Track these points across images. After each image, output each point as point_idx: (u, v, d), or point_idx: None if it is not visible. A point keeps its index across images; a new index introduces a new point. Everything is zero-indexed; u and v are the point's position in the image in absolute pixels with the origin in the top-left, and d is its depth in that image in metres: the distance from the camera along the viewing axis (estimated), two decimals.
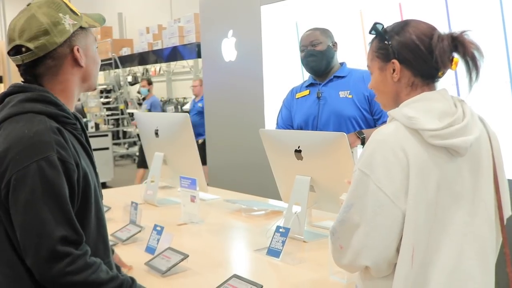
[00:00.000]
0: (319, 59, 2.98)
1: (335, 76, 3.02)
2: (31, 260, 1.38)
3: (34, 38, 1.49)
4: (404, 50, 1.51)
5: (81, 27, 1.56)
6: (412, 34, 1.51)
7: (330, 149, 2.29)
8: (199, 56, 8.28)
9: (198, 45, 8.21)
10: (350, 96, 2.94)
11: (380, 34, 1.56)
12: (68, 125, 1.52)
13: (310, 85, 3.11)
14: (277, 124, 3.28)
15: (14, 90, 1.52)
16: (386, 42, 1.54)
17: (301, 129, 3.08)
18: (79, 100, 10.77)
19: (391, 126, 1.47)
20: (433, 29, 1.52)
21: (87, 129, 8.79)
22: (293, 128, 3.17)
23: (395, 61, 1.52)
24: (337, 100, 2.96)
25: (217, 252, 2.34)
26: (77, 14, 1.56)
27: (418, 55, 1.50)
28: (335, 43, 3.04)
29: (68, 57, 1.54)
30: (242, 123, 5.34)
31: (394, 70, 1.53)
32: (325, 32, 3.03)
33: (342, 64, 3.07)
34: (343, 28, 4.15)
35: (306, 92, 3.12)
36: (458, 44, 1.47)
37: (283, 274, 2.06)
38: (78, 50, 1.55)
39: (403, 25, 1.54)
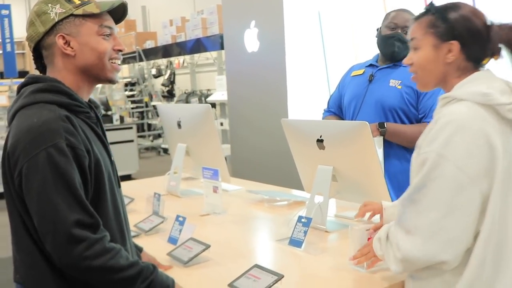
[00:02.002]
0: (404, 47, 2.78)
1: (395, 64, 2.86)
2: (50, 246, 1.40)
3: (26, 31, 1.57)
4: (466, 33, 1.52)
5: (73, 15, 1.53)
6: (476, 20, 1.52)
7: (352, 138, 2.27)
8: (222, 47, 8.26)
9: (221, 37, 8.20)
10: (399, 87, 2.78)
11: (440, 12, 1.55)
12: (80, 114, 1.53)
13: (370, 65, 2.97)
14: (327, 103, 3.17)
15: (28, 82, 1.55)
16: (448, 21, 1.53)
17: (345, 109, 2.98)
18: (103, 93, 10.88)
19: (462, 106, 1.46)
20: (485, 16, 1.54)
21: (112, 122, 8.93)
22: (341, 108, 3.06)
23: (455, 42, 1.52)
24: (385, 88, 2.82)
25: (239, 243, 2.34)
26: (73, 2, 1.54)
27: (478, 40, 1.52)
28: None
29: (56, 45, 1.54)
30: (265, 113, 5.33)
31: (449, 51, 1.53)
32: None
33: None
34: (366, 17, 4.11)
35: (361, 71, 2.98)
36: None
37: (304, 264, 2.05)
38: (61, 37, 1.52)
39: (460, 7, 1.55)
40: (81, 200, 1.41)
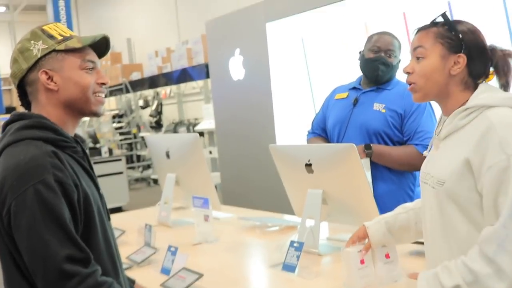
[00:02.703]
0: (387, 71, 2.83)
1: (379, 88, 2.88)
2: (41, 283, 1.39)
3: (10, 68, 1.58)
4: (474, 49, 1.57)
5: (55, 51, 1.55)
6: (482, 37, 1.59)
7: (340, 161, 2.28)
8: (208, 76, 8.33)
9: (207, 66, 8.26)
10: (383, 111, 2.80)
11: (451, 25, 1.59)
12: (67, 149, 1.53)
13: (353, 88, 2.98)
14: (311, 124, 3.17)
15: (13, 119, 1.56)
16: (458, 33, 1.57)
17: (330, 133, 2.99)
18: (91, 126, 10.86)
19: (505, 110, 1.48)
20: None
21: (101, 155, 8.90)
22: (325, 130, 3.07)
23: (463, 55, 1.56)
24: (369, 112, 2.84)
25: (232, 270, 2.34)
26: (55, 38, 1.56)
27: (483, 57, 1.57)
28: (400, 60, 2.90)
29: (39, 81, 1.55)
30: (253, 139, 5.34)
31: (455, 63, 1.56)
32: (400, 46, 2.90)
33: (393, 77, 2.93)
34: (349, 41, 4.16)
35: (345, 94, 2.99)
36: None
37: None
38: (44, 73, 1.54)
39: (467, 23, 1.60)
40: (71, 235, 1.41)
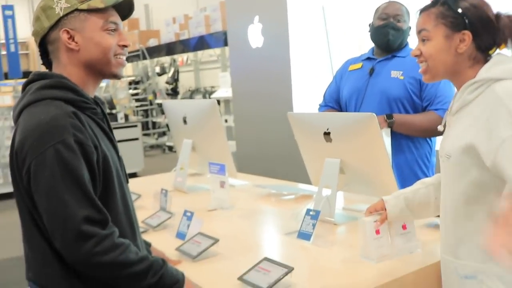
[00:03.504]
0: (398, 35, 2.83)
1: (393, 56, 2.88)
2: (59, 243, 1.39)
3: (32, 26, 1.57)
4: (478, 23, 1.53)
5: (78, 10, 1.52)
6: (487, 9, 1.54)
7: (359, 130, 2.26)
8: (226, 44, 8.26)
9: (225, 33, 8.20)
10: (402, 77, 2.79)
11: (452, 2, 1.55)
12: (87, 110, 1.52)
13: (367, 59, 2.98)
14: (323, 97, 3.16)
15: (34, 78, 1.55)
16: (459, 11, 1.53)
17: (346, 103, 2.98)
18: (108, 92, 10.89)
19: None
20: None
21: (117, 120, 8.94)
22: (338, 101, 3.06)
23: (467, 32, 1.53)
24: (386, 79, 2.83)
25: (247, 237, 2.34)
26: None
27: (490, 30, 1.53)
28: (410, 27, 2.90)
29: (60, 40, 1.53)
30: (270, 108, 5.32)
31: (461, 41, 1.54)
32: (407, 12, 2.89)
33: (406, 44, 2.93)
34: (371, 11, 4.09)
35: (359, 65, 2.99)
36: None
37: (314, 257, 2.05)
38: (66, 32, 1.52)
39: None
40: (90, 196, 1.41)
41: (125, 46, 1.60)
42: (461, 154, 1.53)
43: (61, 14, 1.52)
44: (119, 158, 1.62)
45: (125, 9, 1.62)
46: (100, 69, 1.58)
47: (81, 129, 1.44)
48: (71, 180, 1.39)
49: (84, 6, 1.53)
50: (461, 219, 1.59)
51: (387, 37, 2.84)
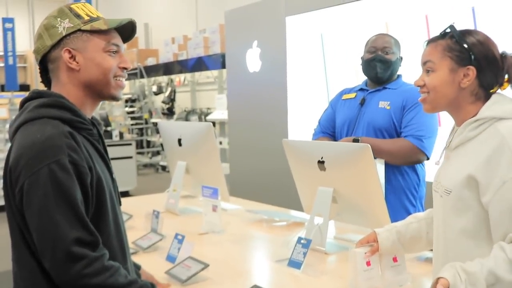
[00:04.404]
0: (387, 68, 2.87)
1: (385, 88, 2.92)
2: (49, 263, 1.39)
3: (34, 44, 1.58)
4: (484, 60, 1.55)
5: (81, 30, 1.54)
6: (493, 47, 1.55)
7: (354, 161, 2.27)
8: (223, 66, 8.30)
9: (223, 56, 8.24)
10: (388, 108, 2.83)
11: (459, 37, 1.57)
12: (83, 131, 1.53)
13: (360, 89, 3.03)
14: (318, 122, 3.19)
15: (32, 96, 1.55)
16: (465, 45, 1.55)
17: (339, 131, 3.01)
18: (104, 109, 10.88)
19: None
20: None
21: (111, 138, 8.92)
22: (333, 128, 3.08)
23: (472, 67, 1.54)
24: (374, 110, 2.87)
25: (237, 262, 2.33)
26: (82, 18, 1.55)
27: (494, 68, 1.55)
28: (401, 57, 2.95)
29: (61, 59, 1.54)
30: (265, 133, 5.33)
31: (465, 76, 1.55)
32: (397, 43, 2.94)
33: (398, 76, 2.97)
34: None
35: (353, 95, 3.04)
36: None
37: (303, 286, 2.04)
38: (67, 51, 1.53)
39: (477, 34, 1.57)
40: (81, 218, 1.41)
41: (125, 68, 1.61)
42: (462, 189, 1.54)
43: (64, 34, 1.53)
44: (113, 180, 1.62)
45: (127, 32, 1.64)
46: (99, 90, 1.58)
47: (76, 150, 1.44)
48: (64, 201, 1.38)
49: (87, 27, 1.54)
50: (463, 253, 1.57)
51: (375, 70, 2.89)
